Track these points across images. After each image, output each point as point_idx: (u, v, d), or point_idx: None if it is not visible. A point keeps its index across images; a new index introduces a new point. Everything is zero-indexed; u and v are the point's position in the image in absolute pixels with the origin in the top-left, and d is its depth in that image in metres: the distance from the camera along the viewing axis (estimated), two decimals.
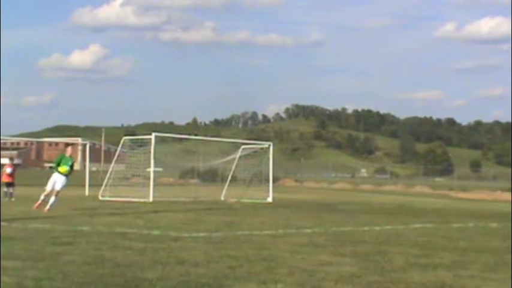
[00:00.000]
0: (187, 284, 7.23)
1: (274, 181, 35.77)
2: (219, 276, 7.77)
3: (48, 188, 18.87)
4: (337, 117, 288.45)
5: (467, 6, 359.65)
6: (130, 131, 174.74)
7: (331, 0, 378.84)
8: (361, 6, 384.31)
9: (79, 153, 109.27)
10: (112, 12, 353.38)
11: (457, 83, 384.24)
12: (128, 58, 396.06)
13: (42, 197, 18.83)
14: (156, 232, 12.92)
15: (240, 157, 34.83)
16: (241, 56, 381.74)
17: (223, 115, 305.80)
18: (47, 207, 18.41)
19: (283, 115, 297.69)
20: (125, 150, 30.89)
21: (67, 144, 20.19)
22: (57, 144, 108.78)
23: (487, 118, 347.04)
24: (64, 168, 19.10)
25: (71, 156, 19.50)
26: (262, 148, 35.17)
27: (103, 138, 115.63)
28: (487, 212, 27.71)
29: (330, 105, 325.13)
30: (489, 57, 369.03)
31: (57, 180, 18.96)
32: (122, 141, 30.84)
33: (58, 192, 18.82)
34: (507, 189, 65.25)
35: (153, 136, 29.24)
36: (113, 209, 19.74)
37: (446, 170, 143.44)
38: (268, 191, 31.86)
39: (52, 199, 18.70)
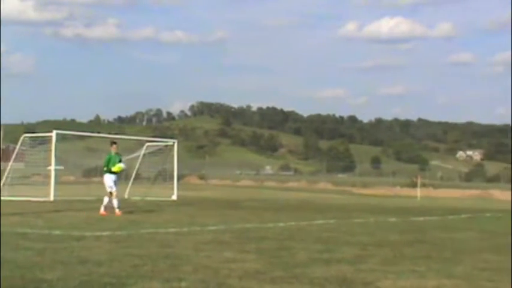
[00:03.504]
0: (89, 284, 7.10)
1: (179, 179, 35.69)
2: (122, 275, 7.66)
3: (113, 189, 18.77)
4: (242, 114, 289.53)
5: (367, 6, 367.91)
6: (30, 128, 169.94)
7: None
8: (265, 4, 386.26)
9: None
10: (11, 7, 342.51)
11: (359, 82, 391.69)
12: (29, 54, 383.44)
13: (105, 201, 18.77)
14: (57, 232, 12.63)
15: (144, 155, 34.51)
16: (145, 53, 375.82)
17: (127, 112, 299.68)
18: (117, 211, 18.36)
19: (188, 112, 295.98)
20: (24, 148, 30.08)
21: (112, 143, 19.87)
22: None
23: (387, 115, 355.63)
24: (118, 166, 19.03)
25: (117, 154, 19.45)
26: (166, 146, 35.01)
27: (1, 135, 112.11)
28: (386, 208, 28.54)
29: (235, 103, 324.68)
30: (389, 57, 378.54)
31: (111, 180, 18.88)
32: (21, 139, 30.01)
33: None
34: (405, 185, 67.81)
35: (54, 134, 28.59)
36: (12, 209, 19.14)
37: (349, 167, 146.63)
38: (172, 189, 31.75)
39: (115, 201, 18.67)
